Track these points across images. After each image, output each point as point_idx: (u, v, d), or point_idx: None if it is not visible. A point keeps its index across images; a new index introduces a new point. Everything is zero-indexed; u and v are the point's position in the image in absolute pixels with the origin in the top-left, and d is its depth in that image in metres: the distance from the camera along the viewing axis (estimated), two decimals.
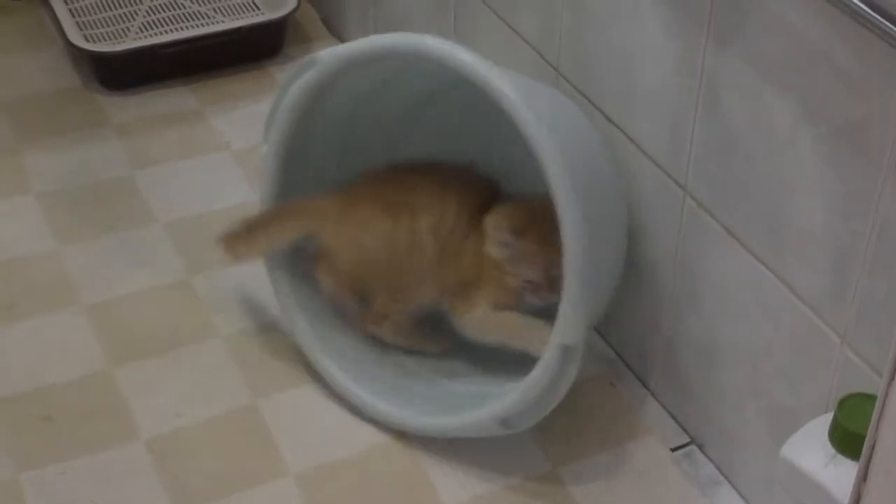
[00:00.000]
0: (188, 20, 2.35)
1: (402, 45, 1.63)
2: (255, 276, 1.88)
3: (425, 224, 1.67)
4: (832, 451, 1.27)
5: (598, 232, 1.57)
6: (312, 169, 1.79)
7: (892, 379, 0.88)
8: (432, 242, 1.67)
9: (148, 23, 2.33)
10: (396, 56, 1.65)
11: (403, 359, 1.78)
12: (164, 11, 2.37)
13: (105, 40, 2.28)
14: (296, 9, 2.33)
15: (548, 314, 1.58)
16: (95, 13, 2.35)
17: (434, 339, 1.77)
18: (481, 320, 1.67)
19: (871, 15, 1.20)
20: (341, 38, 2.39)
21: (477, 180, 1.74)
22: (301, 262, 1.78)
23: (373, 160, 1.78)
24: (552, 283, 1.59)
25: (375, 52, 1.65)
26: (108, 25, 2.32)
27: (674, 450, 1.69)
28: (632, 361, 1.80)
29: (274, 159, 1.73)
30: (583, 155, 1.62)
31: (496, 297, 1.66)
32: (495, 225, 1.65)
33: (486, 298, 1.66)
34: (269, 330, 1.83)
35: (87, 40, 2.26)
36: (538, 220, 1.61)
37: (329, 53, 1.65)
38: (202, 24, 2.33)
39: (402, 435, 1.69)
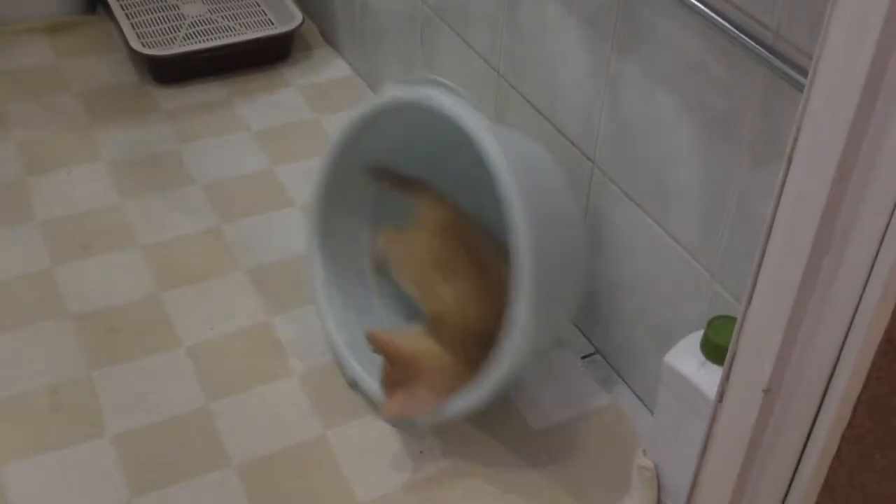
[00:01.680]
0: (220, 32, 2.32)
1: (401, 98, 1.44)
2: (272, 222, 1.87)
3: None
4: (703, 359, 1.27)
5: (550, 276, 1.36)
6: (348, 204, 1.63)
7: (748, 305, 0.88)
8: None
9: (190, 34, 2.31)
10: (400, 108, 1.45)
11: None
12: (202, 25, 2.35)
13: (157, 46, 2.25)
14: (301, 24, 2.31)
15: None
16: (151, 26, 2.32)
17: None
18: None
19: (735, 33, 1.20)
20: (335, 47, 2.36)
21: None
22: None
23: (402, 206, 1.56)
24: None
25: (380, 108, 1.46)
26: (160, 35, 2.29)
27: (583, 357, 1.69)
28: None
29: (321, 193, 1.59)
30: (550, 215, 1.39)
31: None
32: None
33: None
34: (283, 264, 1.80)
35: (144, 46, 2.23)
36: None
37: (359, 107, 1.49)
38: (230, 35, 2.31)
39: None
